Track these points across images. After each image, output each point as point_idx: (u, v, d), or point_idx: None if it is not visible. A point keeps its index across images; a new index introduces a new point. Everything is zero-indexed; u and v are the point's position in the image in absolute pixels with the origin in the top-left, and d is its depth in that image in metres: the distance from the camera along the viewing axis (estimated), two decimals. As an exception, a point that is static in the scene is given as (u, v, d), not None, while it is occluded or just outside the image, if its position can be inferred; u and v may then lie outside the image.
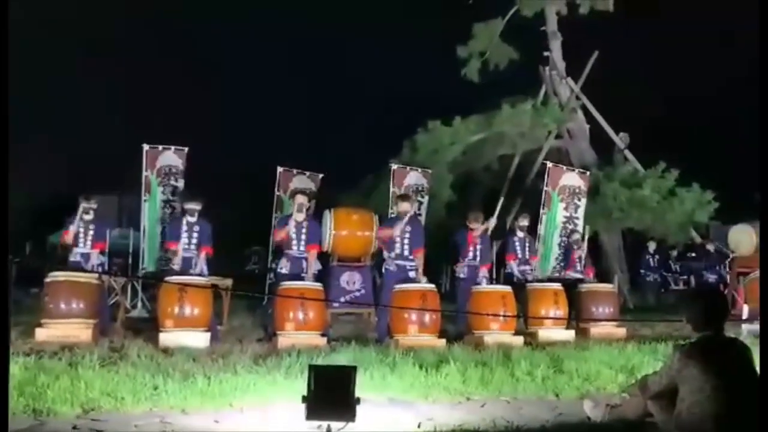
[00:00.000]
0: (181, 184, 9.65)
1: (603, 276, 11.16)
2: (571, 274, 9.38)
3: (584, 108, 15.46)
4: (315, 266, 7.66)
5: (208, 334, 6.79)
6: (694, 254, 14.22)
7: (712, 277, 12.36)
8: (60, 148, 20.88)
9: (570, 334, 7.93)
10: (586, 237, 9.97)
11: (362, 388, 3.77)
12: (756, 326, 7.74)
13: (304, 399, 3.52)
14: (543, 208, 10.81)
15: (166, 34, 21.71)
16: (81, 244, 7.74)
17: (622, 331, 8.29)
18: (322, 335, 6.97)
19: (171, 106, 21.34)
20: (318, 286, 7.34)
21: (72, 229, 7.68)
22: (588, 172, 11.81)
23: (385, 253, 7.80)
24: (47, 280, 7.11)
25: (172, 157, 9.71)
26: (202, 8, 22.12)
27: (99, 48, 21.62)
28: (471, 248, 8.17)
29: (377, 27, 20.70)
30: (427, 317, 7.07)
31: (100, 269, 7.75)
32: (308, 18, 22.89)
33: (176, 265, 7.51)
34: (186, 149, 9.75)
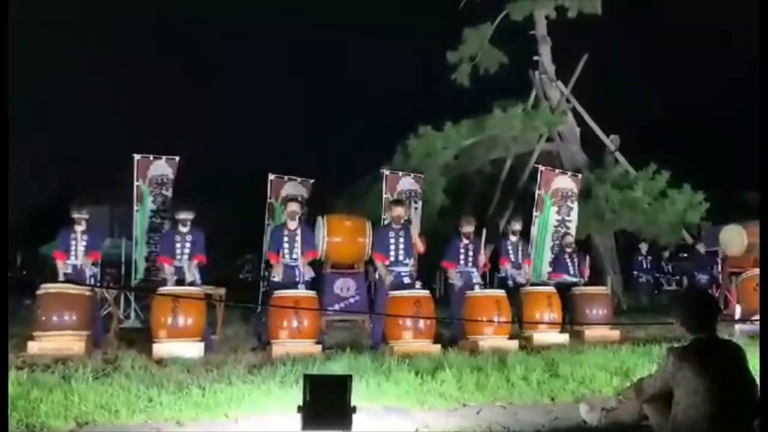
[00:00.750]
0: (171, 193, 9.59)
1: (596, 278, 11.18)
2: (566, 278, 9.39)
3: (575, 111, 15.55)
4: (308, 274, 7.64)
5: (202, 344, 6.76)
6: (685, 255, 14.29)
7: (703, 278, 12.42)
8: (51, 155, 20.77)
9: (564, 338, 7.95)
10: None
11: (358, 396, 3.77)
12: (748, 326, 7.78)
13: (300, 409, 3.51)
14: (536, 212, 10.84)
15: (162, 35, 21.68)
16: (73, 256, 7.68)
17: (616, 333, 8.31)
18: (317, 343, 6.95)
19: (164, 110, 21.33)
20: (312, 293, 7.32)
21: (66, 244, 7.62)
22: (580, 175, 11.85)
23: (380, 260, 7.79)
24: (39, 292, 7.05)
25: (163, 167, 9.65)
26: (199, 10, 22.14)
27: (93, 52, 21.58)
28: (463, 254, 8.17)
29: (370, 33, 20.81)
30: (421, 323, 7.06)
31: (92, 280, 7.69)
32: (302, 23, 22.98)
33: (169, 276, 7.45)
34: (177, 158, 9.70)
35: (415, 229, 8.46)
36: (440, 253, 8.38)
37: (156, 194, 9.56)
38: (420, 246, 8.00)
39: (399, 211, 7.88)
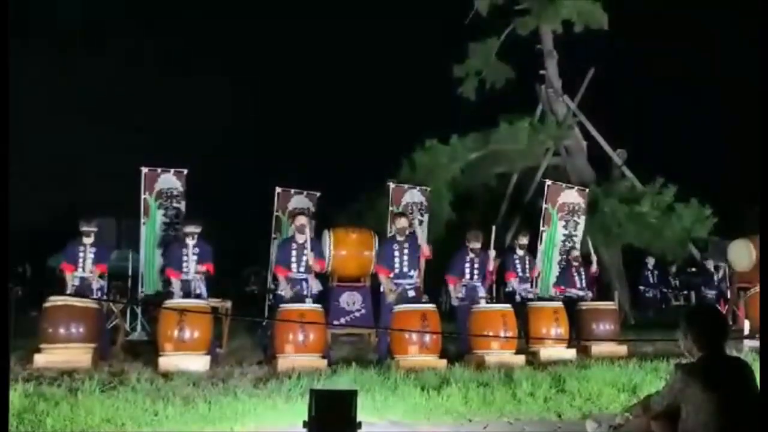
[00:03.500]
0: (182, 206, 9.59)
1: (603, 293, 11.13)
2: (572, 292, 9.35)
3: (581, 125, 15.55)
4: (316, 287, 7.64)
5: (207, 358, 6.76)
6: (693, 269, 14.21)
7: (711, 293, 12.34)
8: (57, 166, 20.80)
9: (571, 353, 7.91)
10: (593, 256, 9.89)
11: (363, 411, 3.76)
12: (757, 342, 7.71)
13: (306, 423, 3.50)
14: (543, 226, 10.82)
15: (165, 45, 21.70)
16: (81, 268, 7.70)
17: (623, 349, 8.27)
18: (323, 357, 6.94)
19: (167, 122, 21.32)
20: (318, 307, 7.32)
21: (74, 257, 7.65)
22: (587, 190, 11.84)
23: (384, 273, 7.79)
24: (46, 304, 7.07)
25: (171, 180, 9.64)
26: (203, 21, 22.23)
27: (96, 66, 21.62)
28: (468, 268, 8.16)
29: (375, 45, 20.88)
30: (428, 337, 7.05)
31: (100, 293, 7.71)
32: (306, 34, 23.05)
33: (176, 289, 7.47)
34: (185, 171, 9.72)
35: (421, 236, 8.43)
36: (447, 267, 8.36)
37: (167, 207, 9.55)
38: (427, 251, 8.01)
39: (403, 222, 7.88)
